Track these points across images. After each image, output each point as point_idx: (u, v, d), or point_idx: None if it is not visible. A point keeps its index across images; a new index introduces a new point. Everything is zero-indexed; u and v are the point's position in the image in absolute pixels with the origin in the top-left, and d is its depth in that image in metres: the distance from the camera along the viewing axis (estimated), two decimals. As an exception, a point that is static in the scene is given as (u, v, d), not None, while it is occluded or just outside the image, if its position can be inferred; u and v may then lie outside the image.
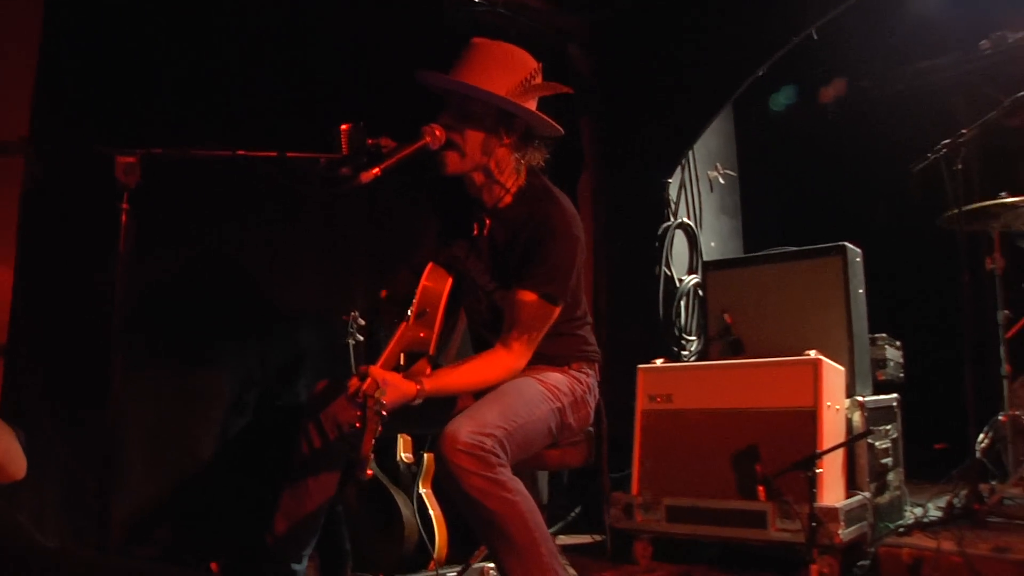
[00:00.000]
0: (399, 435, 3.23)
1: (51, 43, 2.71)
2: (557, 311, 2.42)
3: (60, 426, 2.68)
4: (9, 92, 2.65)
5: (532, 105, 2.43)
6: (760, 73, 4.15)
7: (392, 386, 2.11)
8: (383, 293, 2.72)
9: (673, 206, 4.54)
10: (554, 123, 2.44)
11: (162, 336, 2.99)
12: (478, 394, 2.38)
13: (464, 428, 2.10)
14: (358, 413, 1.96)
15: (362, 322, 3.23)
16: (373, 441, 1.97)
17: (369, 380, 2.03)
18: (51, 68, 2.70)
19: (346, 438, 2.45)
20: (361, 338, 3.21)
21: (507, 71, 2.38)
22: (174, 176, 2.53)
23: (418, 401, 2.20)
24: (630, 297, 4.44)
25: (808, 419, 2.95)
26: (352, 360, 3.19)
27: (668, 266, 4.42)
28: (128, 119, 2.84)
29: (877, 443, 3.27)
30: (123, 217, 1.90)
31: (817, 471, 2.76)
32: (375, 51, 3.63)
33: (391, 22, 3.69)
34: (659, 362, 3.41)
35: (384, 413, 1.97)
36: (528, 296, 2.37)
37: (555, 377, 2.48)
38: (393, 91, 3.37)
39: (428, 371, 2.33)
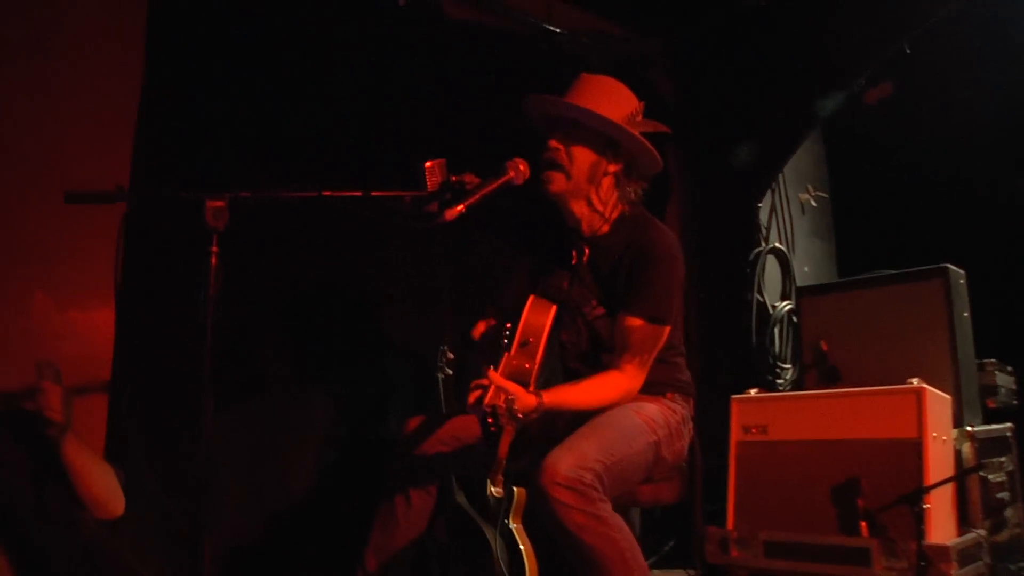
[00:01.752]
0: (489, 473, 3.21)
1: (151, 91, 2.86)
2: (667, 331, 2.44)
3: (157, 461, 2.77)
4: (111, 140, 2.79)
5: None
6: (855, 89, 4.03)
7: (515, 396, 2.12)
8: (479, 328, 2.74)
9: (764, 231, 4.47)
10: (657, 154, 2.49)
11: (255, 371, 3.09)
12: (568, 426, 2.37)
13: (564, 461, 2.09)
14: (490, 420, 1.99)
15: (451, 356, 3.26)
16: (508, 443, 2.01)
17: (493, 388, 2.04)
18: (151, 116, 2.85)
19: (450, 463, 2.49)
20: (450, 372, 3.24)
21: (615, 103, 2.45)
22: (264, 217, 2.60)
23: (535, 416, 2.20)
24: (722, 326, 4.37)
25: (912, 451, 2.81)
26: (441, 394, 3.22)
27: (760, 293, 4.34)
28: (218, 163, 2.95)
29: (991, 476, 3.10)
30: (212, 260, 1.95)
31: (924, 506, 2.63)
32: (458, 86, 3.69)
33: (474, 56, 3.74)
34: (753, 392, 3.33)
35: (520, 416, 2.00)
36: (636, 321, 2.39)
37: (651, 409, 2.46)
38: (477, 126, 3.40)
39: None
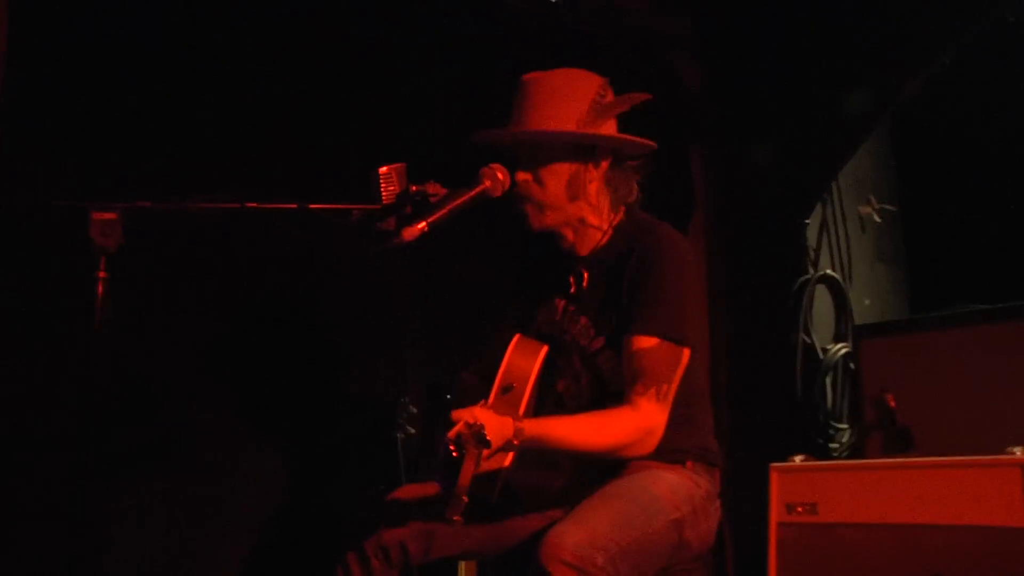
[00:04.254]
0: (460, 562, 3.14)
1: (17, 70, 2.79)
2: (686, 355, 2.43)
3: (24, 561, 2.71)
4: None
5: (612, 127, 2.54)
6: (932, 70, 3.99)
7: (483, 423, 2.08)
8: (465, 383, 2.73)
9: (813, 254, 4.43)
10: (640, 139, 2.53)
11: (156, 435, 3.05)
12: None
13: (570, 536, 2.08)
14: (452, 447, 2.03)
15: (414, 410, 3.27)
16: (472, 472, 2.00)
17: (460, 425, 2.04)
18: (16, 104, 2.79)
19: (417, 551, 2.45)
20: (413, 431, 3.25)
21: (571, 100, 2.47)
22: (167, 235, 2.55)
23: (515, 442, 2.18)
24: (758, 374, 4.31)
25: (1019, 543, 2.72)
26: (400, 458, 3.21)
27: (808, 332, 4.29)
28: (109, 165, 2.92)
29: None
30: (100, 288, 1.90)
31: (1049, 623, 2.56)
32: (424, 72, 3.68)
33: (447, 34, 3.73)
34: (799, 459, 3.28)
35: (488, 439, 2.01)
36: (646, 341, 2.38)
37: (669, 479, 2.43)
38: (446, 122, 3.38)
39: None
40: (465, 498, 2.00)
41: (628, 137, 2.53)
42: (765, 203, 4.43)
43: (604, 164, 2.54)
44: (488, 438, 2.01)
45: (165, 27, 3.13)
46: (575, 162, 2.50)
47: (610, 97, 2.51)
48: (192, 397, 3.13)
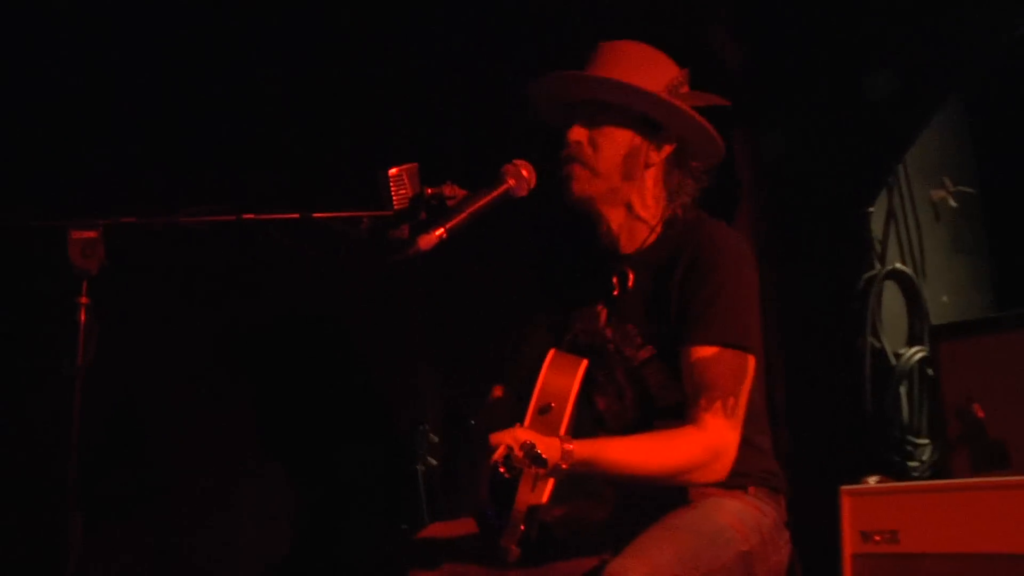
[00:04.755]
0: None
1: None
2: (751, 361, 2.43)
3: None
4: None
5: None
6: (1007, 41, 3.95)
7: (533, 442, 2.09)
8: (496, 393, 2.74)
9: (879, 247, 4.39)
10: (715, 133, 2.53)
11: (148, 474, 3.09)
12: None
13: (632, 570, 2.08)
14: (502, 469, 2.04)
15: (435, 439, 3.31)
16: (529, 495, 2.06)
17: (503, 447, 2.06)
18: None
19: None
20: (434, 462, 3.29)
21: (648, 72, 2.49)
22: (155, 253, 2.58)
23: (564, 466, 2.18)
24: (820, 384, 4.26)
25: None
26: (422, 494, 3.25)
27: (877, 336, 4.25)
28: (88, 178, 2.94)
29: None
30: (82, 315, 1.92)
31: None
32: (431, 59, 3.70)
33: (454, 15, 3.74)
34: (873, 481, 3.29)
35: (544, 458, 2.02)
36: (706, 350, 2.39)
37: (734, 506, 2.44)
38: (459, 117, 3.42)
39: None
40: (523, 525, 2.04)
41: (703, 122, 2.51)
42: (821, 190, 4.40)
43: (666, 149, 2.54)
44: (543, 458, 2.01)
45: (147, 26, 3.15)
46: (638, 135, 2.51)
47: (686, 89, 2.53)
48: (189, 431, 3.15)
